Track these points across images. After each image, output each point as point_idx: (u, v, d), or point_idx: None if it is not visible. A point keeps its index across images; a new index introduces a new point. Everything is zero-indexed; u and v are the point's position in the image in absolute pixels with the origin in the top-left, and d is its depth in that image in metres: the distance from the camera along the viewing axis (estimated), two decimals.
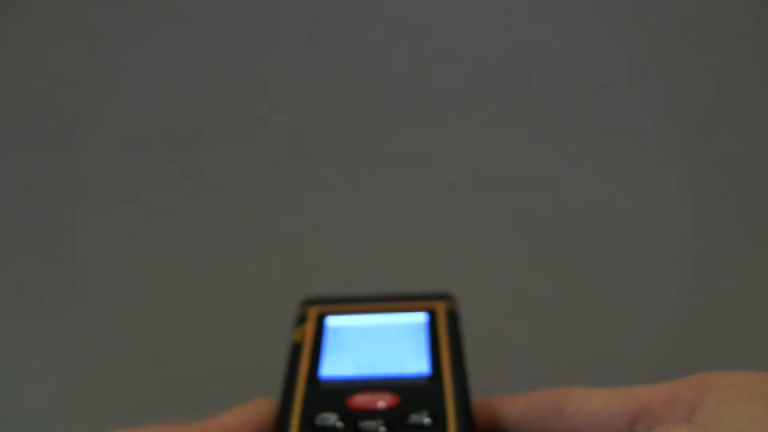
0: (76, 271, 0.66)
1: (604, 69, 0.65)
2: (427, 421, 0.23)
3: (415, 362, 0.26)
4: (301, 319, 0.29)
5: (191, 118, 0.65)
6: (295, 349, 0.27)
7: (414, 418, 0.23)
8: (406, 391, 0.24)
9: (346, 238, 0.66)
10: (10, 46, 0.64)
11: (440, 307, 0.29)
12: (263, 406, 0.26)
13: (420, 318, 0.28)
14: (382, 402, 0.24)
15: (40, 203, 0.65)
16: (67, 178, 0.65)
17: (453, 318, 0.29)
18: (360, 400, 0.24)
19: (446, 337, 0.27)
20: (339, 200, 0.65)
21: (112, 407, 0.66)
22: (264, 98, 0.64)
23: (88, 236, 0.66)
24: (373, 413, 0.23)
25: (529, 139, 0.65)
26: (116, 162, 0.65)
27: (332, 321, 0.28)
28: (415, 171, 0.65)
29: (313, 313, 0.29)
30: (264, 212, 0.66)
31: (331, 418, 0.23)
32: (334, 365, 0.26)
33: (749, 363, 0.70)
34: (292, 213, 0.66)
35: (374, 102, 0.65)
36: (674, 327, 0.66)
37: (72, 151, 0.65)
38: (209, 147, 0.65)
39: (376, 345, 0.27)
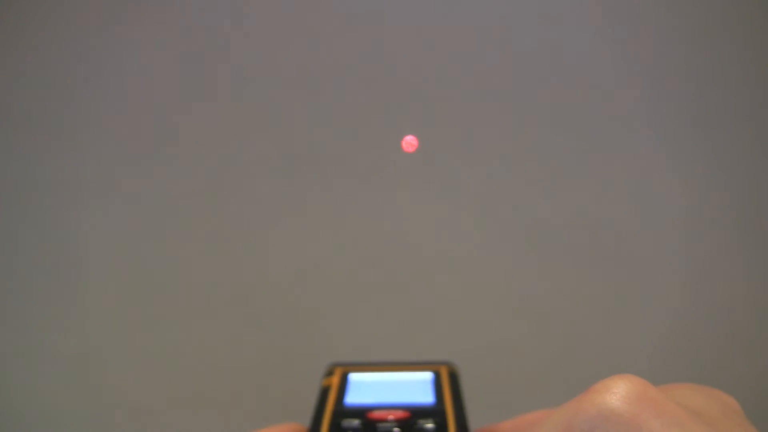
0: (76, 271, 0.66)
1: (603, 71, 0.65)
2: (431, 426, 0.29)
3: (422, 397, 0.33)
4: (329, 373, 0.36)
5: (191, 118, 0.65)
6: (324, 390, 0.34)
7: (421, 423, 0.29)
8: (415, 410, 0.31)
9: (346, 241, 0.65)
10: (10, 46, 0.64)
11: (444, 369, 0.36)
12: (294, 428, 0.31)
13: (427, 375, 0.36)
14: (396, 414, 0.30)
15: (40, 203, 0.65)
16: (67, 178, 0.65)
17: (454, 376, 0.35)
18: (378, 413, 0.30)
19: (448, 386, 0.34)
20: (339, 202, 0.65)
21: (112, 407, 0.66)
22: (264, 99, 0.64)
23: (88, 236, 0.66)
24: (388, 421, 0.29)
25: (528, 141, 0.65)
26: (116, 162, 0.65)
27: (354, 376, 0.36)
28: (415, 173, 0.65)
29: (338, 370, 0.36)
30: (265, 213, 0.65)
31: (354, 423, 0.29)
32: (357, 397, 0.33)
33: (748, 362, 0.70)
34: (292, 214, 0.65)
35: (373, 103, 0.65)
36: (675, 328, 0.66)
37: (72, 151, 0.65)
38: (210, 147, 0.65)
39: (390, 387, 0.34)
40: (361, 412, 0.30)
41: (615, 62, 0.65)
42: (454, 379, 0.35)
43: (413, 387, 0.34)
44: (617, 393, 0.19)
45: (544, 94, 0.65)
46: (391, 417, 0.30)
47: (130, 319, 0.66)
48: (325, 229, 0.66)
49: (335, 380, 0.34)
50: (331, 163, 0.65)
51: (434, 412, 0.30)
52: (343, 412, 0.31)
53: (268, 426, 0.30)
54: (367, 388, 0.33)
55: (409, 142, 0.57)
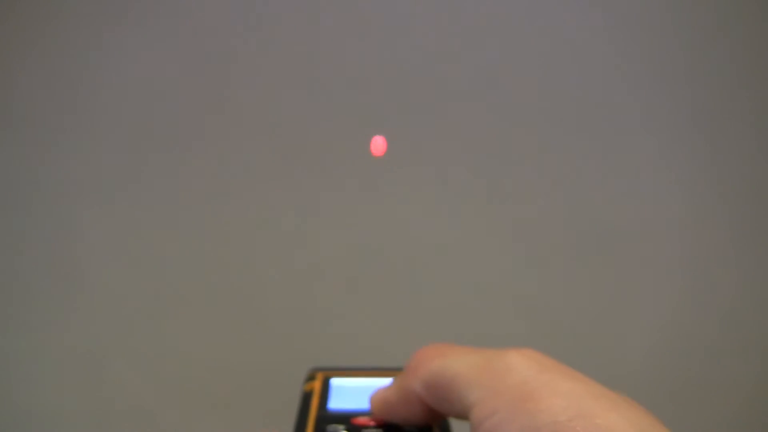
0: (77, 271, 0.66)
1: (603, 71, 0.65)
2: (415, 431, 0.29)
3: None
4: (311, 378, 0.35)
5: (192, 119, 0.65)
6: (306, 395, 0.33)
7: (407, 428, 0.29)
8: None
9: (346, 240, 0.65)
10: (9, 47, 0.64)
11: None
12: None
13: None
14: (379, 420, 0.29)
15: (42, 203, 0.65)
16: (70, 179, 0.65)
17: None
18: (362, 419, 0.30)
19: None
20: (339, 202, 0.65)
21: (113, 406, 0.66)
22: (264, 100, 0.64)
23: (89, 236, 0.66)
24: (372, 427, 0.29)
25: (530, 141, 0.65)
26: (117, 162, 0.65)
27: (336, 381, 0.35)
28: (415, 174, 0.65)
29: (320, 375, 0.36)
30: (265, 213, 0.65)
31: (339, 428, 0.29)
32: (340, 402, 0.32)
33: (746, 362, 0.70)
34: (292, 215, 0.65)
35: (374, 104, 0.65)
36: (675, 328, 0.66)
37: (73, 151, 0.65)
38: (211, 148, 0.65)
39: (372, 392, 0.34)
40: (345, 417, 0.30)
41: (614, 63, 0.65)
42: None
43: None
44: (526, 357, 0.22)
45: (544, 95, 0.65)
46: (375, 423, 0.30)
47: (130, 319, 0.66)
48: (323, 230, 0.66)
49: (317, 385, 0.34)
50: (329, 164, 0.65)
51: None
52: (327, 417, 0.31)
53: None
54: (350, 394, 0.33)
55: (378, 145, 0.57)
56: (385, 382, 0.34)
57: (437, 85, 0.65)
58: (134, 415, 0.66)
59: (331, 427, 0.29)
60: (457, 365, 0.24)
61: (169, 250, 0.66)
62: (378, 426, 0.29)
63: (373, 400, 0.29)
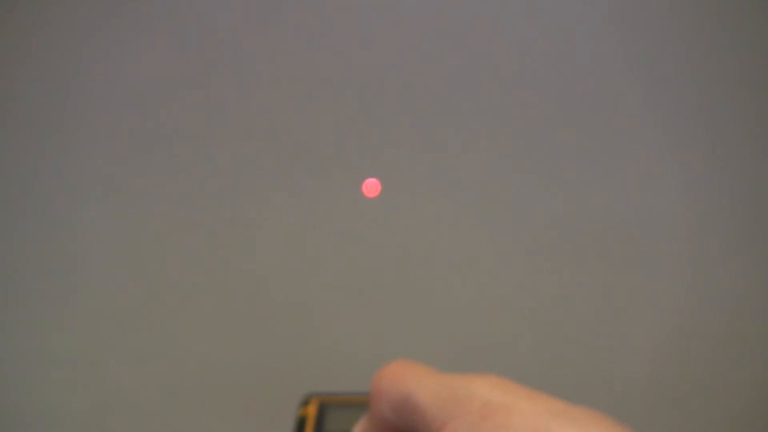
0: (75, 271, 0.66)
1: (604, 70, 0.64)
2: None
3: None
4: (305, 403, 0.36)
5: (192, 119, 0.65)
6: (300, 420, 0.34)
7: None
8: None
9: (347, 239, 0.65)
10: (9, 47, 0.64)
11: None
12: None
13: None
14: None
15: (39, 203, 0.65)
16: (67, 179, 0.65)
17: None
18: None
19: None
20: (340, 202, 0.65)
21: (111, 406, 0.66)
22: (262, 98, 0.64)
23: (87, 236, 0.66)
24: None
25: (530, 141, 0.65)
26: (116, 162, 0.65)
27: (331, 406, 0.35)
28: (417, 173, 0.65)
29: (315, 400, 0.36)
30: (264, 212, 0.65)
31: None
32: (335, 425, 0.33)
33: (750, 362, 0.69)
34: (292, 213, 0.65)
35: (374, 104, 0.64)
36: (678, 328, 0.66)
37: (71, 151, 0.65)
38: (211, 148, 0.65)
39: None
40: None
41: (619, 62, 0.65)
42: None
43: None
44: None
45: (547, 94, 0.65)
46: None
47: (129, 319, 0.66)
48: (327, 230, 0.65)
49: (311, 410, 0.35)
50: (331, 162, 0.65)
51: None
52: None
53: None
54: (345, 418, 0.34)
55: (371, 187, 0.57)
56: None
57: (439, 86, 0.65)
58: (134, 415, 0.66)
59: None
60: (420, 393, 0.25)
61: (169, 251, 0.66)
62: None
63: None
